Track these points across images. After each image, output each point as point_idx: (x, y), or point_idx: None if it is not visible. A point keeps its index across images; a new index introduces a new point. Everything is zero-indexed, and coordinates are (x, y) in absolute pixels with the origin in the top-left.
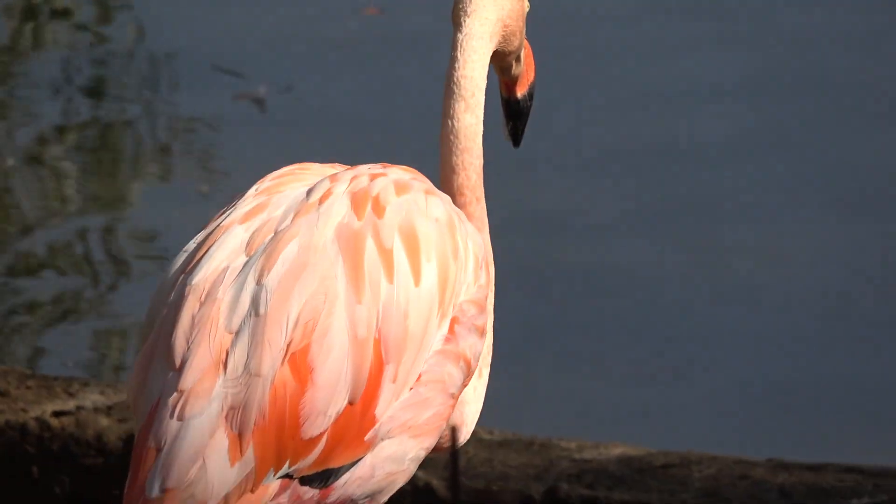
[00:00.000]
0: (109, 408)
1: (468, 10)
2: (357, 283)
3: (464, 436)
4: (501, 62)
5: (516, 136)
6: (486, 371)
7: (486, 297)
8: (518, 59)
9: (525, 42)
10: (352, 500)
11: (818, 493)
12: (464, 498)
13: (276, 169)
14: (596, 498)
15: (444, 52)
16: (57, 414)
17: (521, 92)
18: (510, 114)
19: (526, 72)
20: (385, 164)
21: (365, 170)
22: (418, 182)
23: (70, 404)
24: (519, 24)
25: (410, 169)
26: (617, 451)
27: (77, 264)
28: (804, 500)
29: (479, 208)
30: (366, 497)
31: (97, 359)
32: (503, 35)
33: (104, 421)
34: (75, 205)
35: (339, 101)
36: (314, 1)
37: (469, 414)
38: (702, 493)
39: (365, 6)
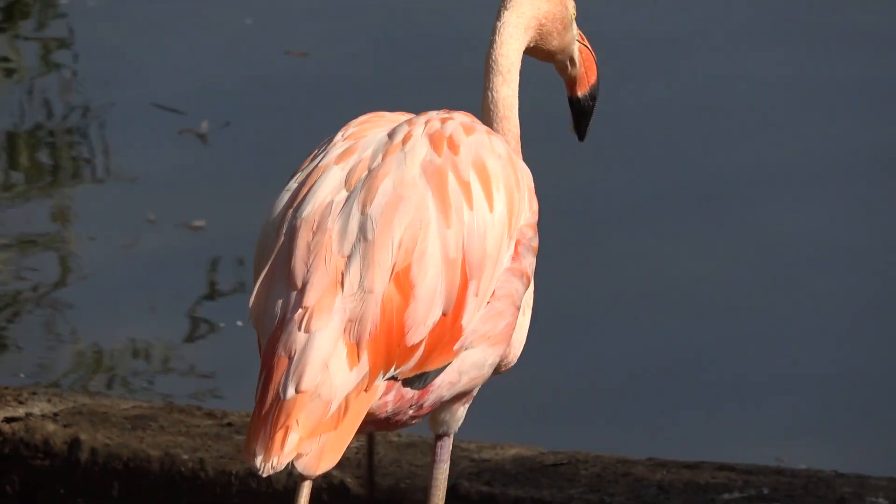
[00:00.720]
0: (56, 414)
1: (508, 5)
2: (445, 210)
3: (511, 358)
4: (552, 60)
5: (580, 132)
6: (528, 311)
7: (537, 222)
8: (573, 62)
9: (584, 48)
10: (442, 401)
11: (694, 488)
12: (376, 495)
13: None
14: (493, 494)
15: (364, 94)
16: (8, 420)
17: (581, 92)
18: (573, 111)
19: (585, 74)
20: (447, 109)
21: (435, 115)
22: (479, 124)
23: (20, 411)
24: (556, 27)
25: (468, 114)
26: (512, 451)
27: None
28: (681, 495)
29: None
30: (452, 397)
31: (46, 369)
32: (539, 32)
33: (51, 426)
34: (17, 222)
35: (271, 135)
36: (243, 43)
37: (515, 341)
38: (588, 489)
39: (292, 49)
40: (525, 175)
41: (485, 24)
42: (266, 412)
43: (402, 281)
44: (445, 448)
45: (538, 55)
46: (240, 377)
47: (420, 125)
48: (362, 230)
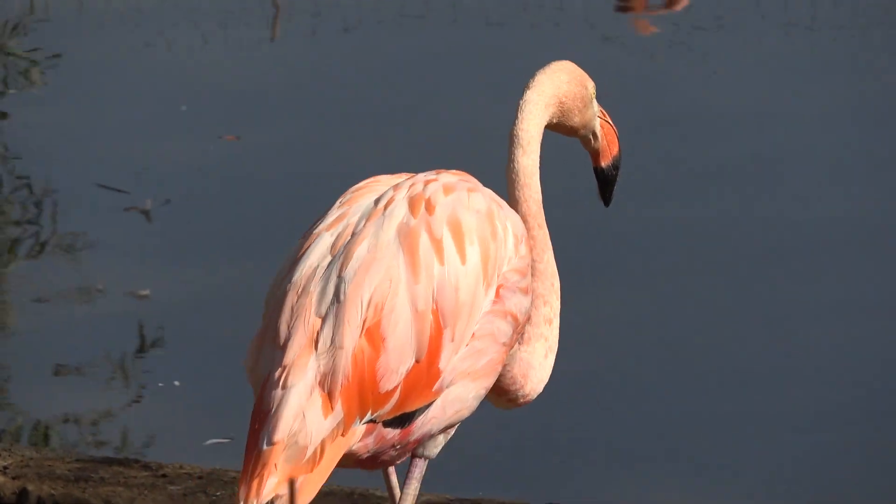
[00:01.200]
0: (5, 468)
1: (531, 84)
2: (414, 268)
3: (528, 391)
4: (576, 135)
5: (605, 199)
6: (551, 355)
7: (528, 265)
8: (595, 136)
9: (606, 123)
10: (430, 435)
11: None
12: None
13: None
14: None
15: (294, 176)
16: None
17: (604, 163)
18: (598, 180)
19: (608, 147)
20: (439, 170)
21: (421, 177)
22: (463, 182)
23: None
24: (577, 105)
25: (459, 172)
26: (423, 498)
27: None
28: None
29: (542, 233)
30: (440, 431)
31: None
32: (560, 109)
33: (0, 479)
34: None
35: (209, 211)
36: (180, 128)
37: (533, 377)
38: None
39: (225, 134)
40: (512, 224)
41: (417, 108)
42: (249, 461)
43: (374, 335)
44: (419, 468)
45: (563, 131)
46: (175, 432)
47: (404, 189)
48: (337, 292)
